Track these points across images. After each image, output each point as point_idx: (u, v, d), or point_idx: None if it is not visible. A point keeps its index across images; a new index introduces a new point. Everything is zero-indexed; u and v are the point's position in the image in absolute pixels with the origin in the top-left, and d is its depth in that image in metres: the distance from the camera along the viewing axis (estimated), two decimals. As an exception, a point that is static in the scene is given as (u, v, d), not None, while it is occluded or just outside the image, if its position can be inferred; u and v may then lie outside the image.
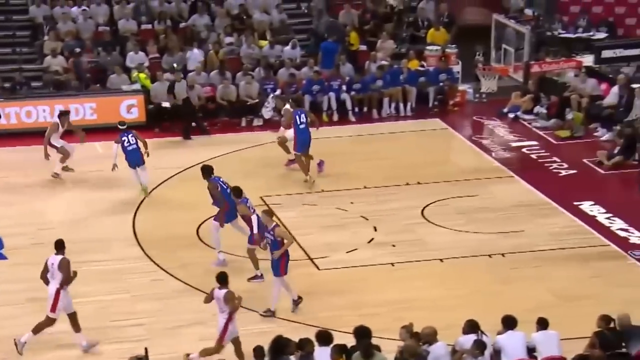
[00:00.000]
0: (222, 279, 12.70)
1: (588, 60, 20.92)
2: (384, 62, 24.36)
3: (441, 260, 15.88)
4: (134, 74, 23.49)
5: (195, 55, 24.15)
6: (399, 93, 23.86)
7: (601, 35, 25.96)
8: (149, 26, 25.64)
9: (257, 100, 23.22)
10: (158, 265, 15.99)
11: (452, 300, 14.66)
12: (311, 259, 15.96)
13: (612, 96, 22.34)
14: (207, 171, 16.02)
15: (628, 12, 26.92)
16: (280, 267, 14.06)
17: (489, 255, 16.12)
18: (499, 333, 11.91)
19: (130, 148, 18.59)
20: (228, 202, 15.57)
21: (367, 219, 17.54)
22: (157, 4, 26.01)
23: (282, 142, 19.48)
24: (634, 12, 26.84)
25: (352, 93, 23.54)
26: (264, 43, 25.31)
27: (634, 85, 21.92)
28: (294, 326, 13.90)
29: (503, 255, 16.12)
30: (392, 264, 15.90)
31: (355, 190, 18.52)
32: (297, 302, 14.40)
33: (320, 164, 19.44)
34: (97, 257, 16.22)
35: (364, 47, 25.67)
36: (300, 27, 26.77)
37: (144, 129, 22.27)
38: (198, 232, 17.12)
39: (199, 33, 25.31)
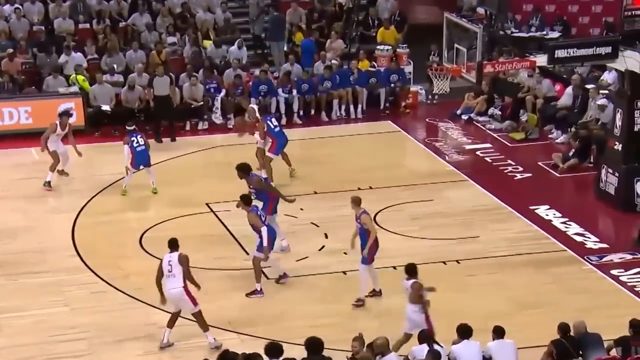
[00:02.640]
0: (411, 270, 13.04)
1: (542, 60, 21.08)
2: (333, 62, 24.42)
3: (394, 267, 15.93)
4: (72, 75, 23.24)
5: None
6: (348, 94, 23.95)
7: (555, 34, 26.31)
8: (87, 25, 25.41)
9: (201, 103, 23.14)
10: (99, 277, 15.84)
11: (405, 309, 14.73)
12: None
13: (566, 97, 22.65)
14: (244, 169, 16.21)
15: (581, 10, 27.30)
16: (370, 255, 14.62)
17: (444, 262, 16.25)
18: (454, 343, 12.03)
19: (139, 149, 18.86)
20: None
21: (317, 226, 17.57)
22: (95, 2, 25.77)
23: (261, 153, 19.46)
24: (588, 10, 27.22)
25: (298, 95, 23.54)
26: (208, 43, 25.25)
27: (589, 86, 22.23)
28: (242, 338, 13.89)
29: (458, 262, 16.26)
30: (344, 273, 15.94)
31: (305, 196, 18.54)
32: (376, 294, 14.85)
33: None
34: (34, 269, 16.03)
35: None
36: (246, 27, 26.74)
37: (83, 133, 22.12)
38: (141, 241, 17.00)
39: (140, 33, 25.15)
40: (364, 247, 14.73)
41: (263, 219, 15.08)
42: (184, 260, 13.51)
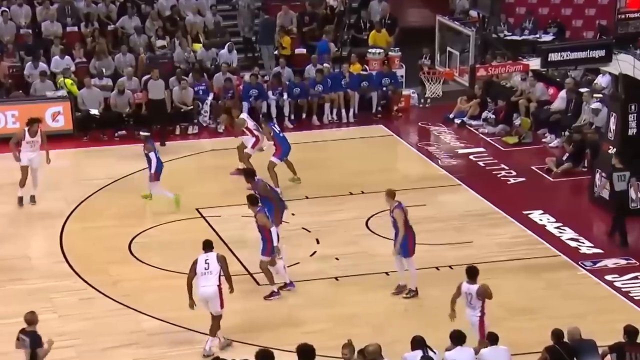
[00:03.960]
0: (474, 273, 13.02)
1: (535, 63, 21.17)
2: (325, 65, 24.47)
3: (387, 273, 15.96)
4: (60, 79, 23.23)
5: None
6: (340, 98, 23.99)
7: (548, 37, 26.39)
8: (75, 29, 25.39)
9: (191, 107, 23.15)
10: (87, 283, 15.81)
11: (398, 315, 14.78)
12: (251, 274, 15.93)
13: (559, 101, 22.73)
14: (250, 174, 16.51)
15: (575, 13, 27.40)
16: (408, 248, 14.96)
17: (437, 268, 16.27)
18: (448, 349, 12.03)
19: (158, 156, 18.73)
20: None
21: (309, 231, 17.58)
22: (83, 5, 25.78)
23: (247, 158, 19.48)
24: (581, 13, 27.33)
25: (289, 99, 23.57)
26: (198, 46, 25.26)
27: (582, 90, 22.32)
28: (233, 345, 13.86)
29: (451, 267, 16.27)
30: (336, 278, 15.96)
31: (296, 200, 18.55)
32: (400, 288, 15.23)
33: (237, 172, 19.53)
34: (21, 275, 16.00)
35: (303, 51, 25.76)
36: (237, 30, 26.75)
37: (71, 138, 22.12)
38: (130, 247, 16.99)
39: (129, 36, 25.15)
40: (397, 241, 14.97)
41: (271, 218, 15.27)
42: (222, 260, 13.65)
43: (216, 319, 13.67)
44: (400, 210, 15.02)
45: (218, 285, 13.54)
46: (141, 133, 19.13)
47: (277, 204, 16.19)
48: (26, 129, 18.73)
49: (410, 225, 15.17)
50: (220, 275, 13.58)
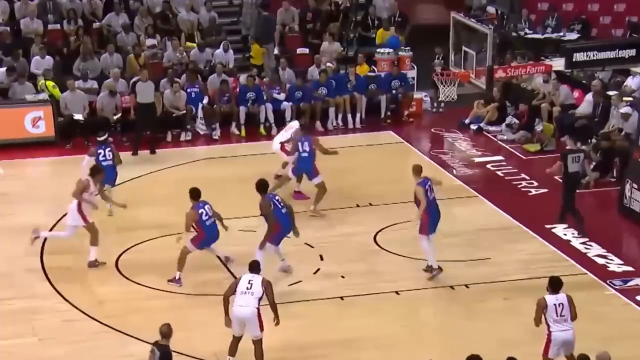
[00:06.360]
0: (558, 285, 13.26)
1: (558, 64, 21.28)
2: (329, 65, 24.54)
3: (397, 292, 16.02)
4: (40, 81, 23.33)
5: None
6: (346, 102, 24.07)
7: (573, 35, 26.49)
8: (57, 26, 25.51)
9: (184, 112, 23.23)
10: (71, 303, 15.87)
11: (410, 339, 14.81)
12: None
13: (585, 105, 22.77)
14: (262, 187, 16.52)
15: (602, 9, 27.48)
16: (423, 225, 16.23)
17: (451, 287, 16.31)
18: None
19: (105, 164, 18.60)
20: (280, 223, 16.26)
21: (312, 247, 17.64)
22: (66, 1, 25.90)
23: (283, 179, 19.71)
24: (609, 9, 27.40)
25: (290, 103, 23.66)
26: (192, 45, 25.37)
27: (611, 93, 22.37)
28: (229, 371, 13.94)
29: (467, 286, 16.32)
30: (342, 298, 16.01)
31: (298, 213, 18.59)
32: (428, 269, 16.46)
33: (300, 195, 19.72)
34: (0, 295, 16.04)
35: (305, 50, 25.87)
36: (233, 27, 26.87)
37: (53, 145, 22.20)
38: (117, 264, 17.06)
39: (116, 34, 25.27)
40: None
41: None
42: (268, 286, 13.72)
43: (258, 344, 13.72)
44: (421, 188, 16.27)
45: (257, 308, 13.61)
46: (97, 137, 19.18)
47: (274, 223, 16.31)
48: (89, 179, 17.36)
49: (437, 203, 16.42)
50: (260, 300, 13.63)
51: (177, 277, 16.32)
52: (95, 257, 16.89)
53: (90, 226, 16.88)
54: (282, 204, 16.37)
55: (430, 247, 16.41)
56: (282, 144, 20.02)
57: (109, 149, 18.87)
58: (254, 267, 13.95)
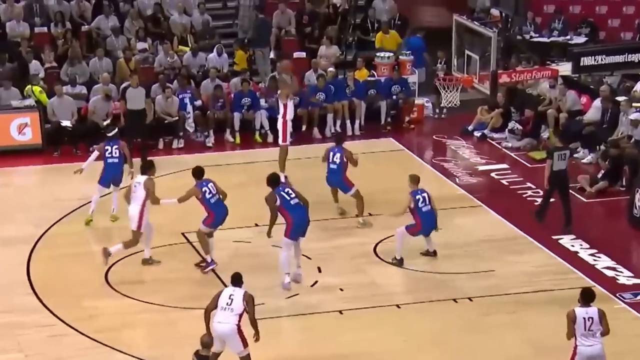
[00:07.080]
0: (590, 297, 13.14)
1: (565, 68, 21.24)
2: (330, 70, 24.52)
3: (398, 306, 15.97)
4: (27, 87, 23.29)
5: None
6: (344, 108, 24.04)
7: (580, 39, 26.50)
8: (45, 29, 25.49)
9: (176, 118, 23.19)
10: (58, 318, 15.80)
11: (412, 354, 14.76)
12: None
13: (593, 111, 22.76)
14: (272, 181, 16.62)
15: (610, 12, 27.51)
16: (411, 230, 17.31)
17: (454, 300, 16.27)
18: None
19: (110, 161, 18.73)
20: (290, 214, 16.34)
21: (309, 258, 17.58)
22: (54, 3, 25.91)
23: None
24: (618, 12, 27.42)
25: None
26: (184, 49, 25.35)
27: (620, 98, 22.37)
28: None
29: (470, 299, 16.28)
30: (340, 312, 15.95)
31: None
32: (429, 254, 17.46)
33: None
34: (-17, 309, 16.04)
35: (302, 54, 25.85)
36: (227, 31, 26.86)
37: (40, 153, 22.15)
38: (107, 277, 16.99)
39: (106, 38, 25.24)
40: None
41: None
42: (250, 300, 13.57)
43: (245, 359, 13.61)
44: (411, 197, 17.14)
45: (237, 324, 13.44)
46: (107, 133, 19.26)
47: (272, 218, 16.57)
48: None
49: (433, 209, 17.24)
50: (241, 316, 13.50)
51: (209, 261, 16.88)
52: (113, 252, 16.94)
53: (136, 232, 16.95)
54: (291, 196, 16.36)
55: (403, 242, 17.22)
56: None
57: (116, 146, 18.88)
58: (237, 279, 13.77)
